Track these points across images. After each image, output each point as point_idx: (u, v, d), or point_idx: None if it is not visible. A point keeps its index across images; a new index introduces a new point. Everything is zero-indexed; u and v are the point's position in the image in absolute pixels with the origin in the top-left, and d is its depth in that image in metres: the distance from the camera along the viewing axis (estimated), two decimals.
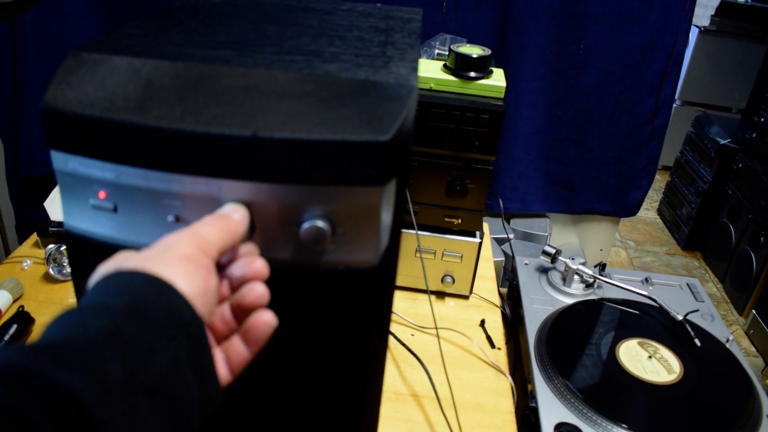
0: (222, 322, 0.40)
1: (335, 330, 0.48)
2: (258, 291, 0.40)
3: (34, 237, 1.11)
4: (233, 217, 0.40)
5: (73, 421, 0.25)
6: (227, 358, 0.40)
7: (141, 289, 0.33)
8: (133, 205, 0.44)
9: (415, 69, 0.49)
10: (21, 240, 1.41)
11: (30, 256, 1.07)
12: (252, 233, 0.43)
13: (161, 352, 0.31)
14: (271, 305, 0.46)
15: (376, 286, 0.47)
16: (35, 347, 0.28)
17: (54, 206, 1.10)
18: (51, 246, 0.99)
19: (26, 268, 1.03)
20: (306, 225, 0.42)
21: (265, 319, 0.40)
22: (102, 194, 0.45)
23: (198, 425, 0.34)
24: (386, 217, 0.44)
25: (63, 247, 0.99)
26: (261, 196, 0.42)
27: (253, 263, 0.41)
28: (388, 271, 0.49)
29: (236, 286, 0.40)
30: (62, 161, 0.45)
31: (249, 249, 0.42)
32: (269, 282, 0.44)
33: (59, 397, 0.26)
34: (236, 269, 0.40)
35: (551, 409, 0.82)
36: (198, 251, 0.36)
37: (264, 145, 0.40)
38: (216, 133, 0.40)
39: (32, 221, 1.39)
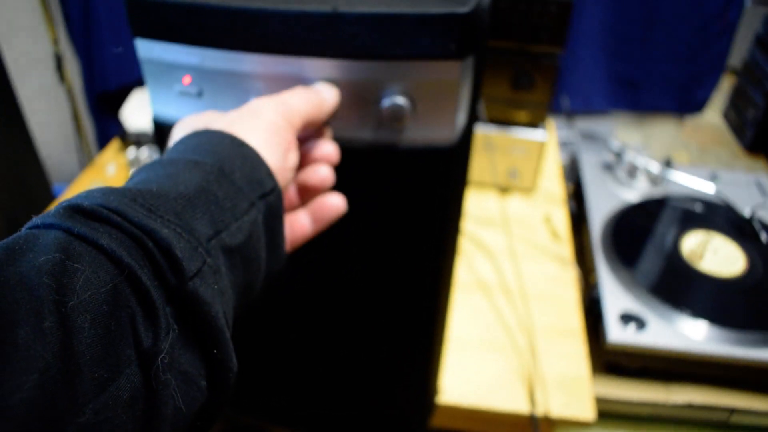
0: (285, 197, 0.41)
1: (413, 210, 0.50)
2: (322, 173, 0.41)
3: (115, 144, 1.17)
4: (322, 93, 0.41)
5: (163, 270, 0.27)
6: (290, 231, 0.41)
7: (229, 151, 0.34)
8: (217, 88, 0.46)
9: None
10: (100, 149, 1.48)
11: (113, 161, 1.12)
12: (334, 111, 0.44)
13: (244, 216, 0.32)
14: (351, 185, 0.48)
15: (455, 165, 0.48)
16: (131, 194, 0.28)
17: (131, 115, 1.14)
18: (132, 151, 1.04)
19: (111, 173, 1.09)
20: (386, 102, 0.43)
21: (334, 202, 0.41)
22: (187, 79, 0.46)
23: (260, 289, 0.35)
24: (465, 93, 0.45)
25: (143, 152, 1.04)
26: (341, 73, 0.43)
27: (324, 146, 0.42)
28: (465, 151, 0.50)
29: (304, 165, 0.41)
30: (147, 49, 0.47)
31: (323, 131, 0.44)
32: (350, 162, 0.46)
33: (155, 246, 0.27)
34: (307, 149, 0.41)
35: (615, 299, 0.83)
36: (284, 121, 0.37)
37: (344, 20, 0.41)
38: (297, 10, 0.41)
39: (109, 132, 1.44)
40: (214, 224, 0.30)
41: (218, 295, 0.29)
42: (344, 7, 0.40)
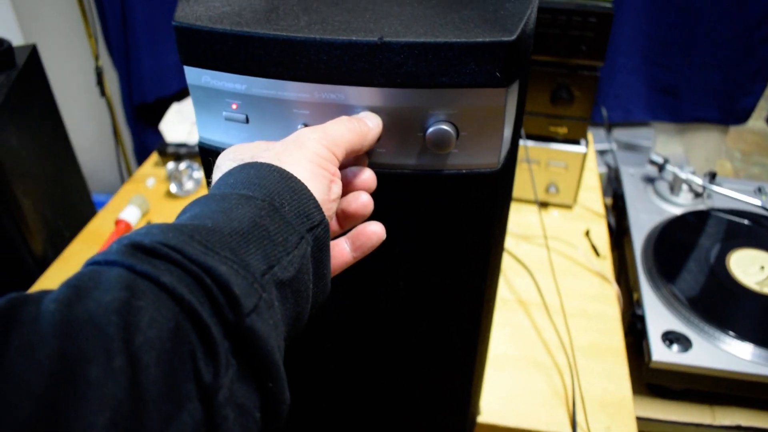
0: None
1: (456, 234, 0.50)
2: (362, 200, 0.41)
3: (154, 157, 1.19)
4: (366, 122, 0.41)
5: (221, 306, 0.27)
6: (331, 259, 0.40)
7: (277, 185, 0.34)
8: (263, 114, 0.46)
9: None
10: (139, 161, 1.51)
11: (152, 174, 1.14)
12: (378, 139, 0.44)
13: (294, 250, 0.32)
14: (394, 210, 0.48)
15: (499, 190, 0.48)
16: (188, 230, 0.29)
17: (168, 128, 1.16)
18: (171, 165, 1.05)
19: (150, 186, 1.11)
20: (431, 129, 0.43)
21: (374, 230, 0.41)
22: (234, 106, 0.47)
23: (306, 320, 0.36)
24: (509, 119, 0.45)
25: (182, 166, 1.05)
26: (387, 101, 0.43)
27: (361, 173, 0.42)
28: (509, 175, 0.49)
29: (344, 193, 0.41)
30: (195, 76, 0.47)
31: (361, 158, 0.44)
32: (393, 187, 0.46)
33: (213, 283, 0.27)
34: (346, 177, 0.41)
35: (658, 317, 0.82)
36: (328, 152, 0.37)
37: (390, 49, 0.40)
38: (343, 40, 0.41)
39: (147, 144, 1.47)
40: (267, 259, 0.31)
41: (273, 329, 0.30)
42: (390, 36, 0.40)
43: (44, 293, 0.25)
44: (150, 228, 0.29)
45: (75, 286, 0.25)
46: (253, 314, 0.28)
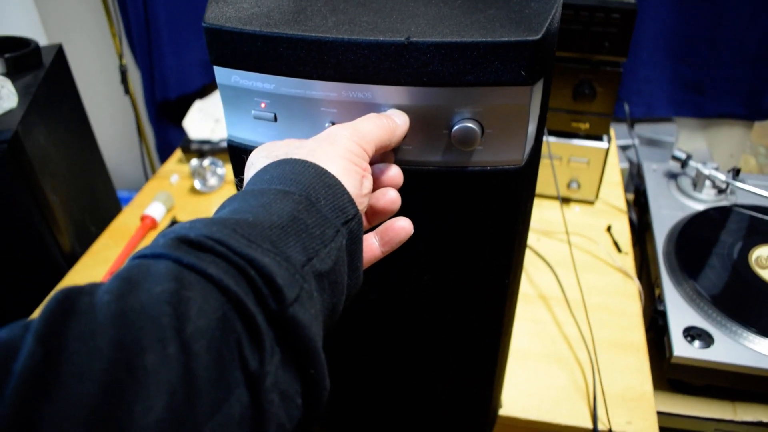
0: None
1: (481, 230, 0.50)
2: (390, 196, 0.42)
3: (178, 153, 1.20)
4: (394, 119, 0.42)
5: (265, 296, 0.28)
6: None
7: (313, 180, 0.35)
8: (291, 113, 0.47)
9: None
10: (162, 158, 1.53)
11: (176, 171, 1.16)
12: (405, 136, 0.45)
13: (330, 243, 0.34)
14: (420, 206, 0.49)
15: (522, 186, 0.48)
16: (231, 224, 0.30)
17: (192, 125, 1.18)
18: (194, 161, 1.07)
19: (174, 182, 1.13)
20: (456, 126, 0.43)
21: (403, 225, 0.42)
22: (263, 105, 0.48)
23: (341, 311, 0.37)
24: (533, 116, 0.45)
25: (205, 162, 1.07)
26: (413, 99, 0.43)
27: (389, 170, 0.43)
28: (533, 171, 0.50)
29: (372, 189, 0.42)
30: (225, 76, 0.48)
31: (388, 155, 0.45)
32: (419, 183, 0.47)
33: (257, 274, 0.28)
34: (374, 174, 0.42)
35: (680, 313, 0.82)
36: (359, 148, 0.38)
37: (417, 49, 0.41)
38: (370, 40, 0.42)
39: (170, 141, 1.49)
40: (306, 251, 0.32)
41: (314, 318, 0.31)
42: (417, 36, 0.41)
43: (95, 286, 0.26)
44: (194, 222, 0.30)
45: (126, 278, 0.26)
46: (295, 304, 0.29)
